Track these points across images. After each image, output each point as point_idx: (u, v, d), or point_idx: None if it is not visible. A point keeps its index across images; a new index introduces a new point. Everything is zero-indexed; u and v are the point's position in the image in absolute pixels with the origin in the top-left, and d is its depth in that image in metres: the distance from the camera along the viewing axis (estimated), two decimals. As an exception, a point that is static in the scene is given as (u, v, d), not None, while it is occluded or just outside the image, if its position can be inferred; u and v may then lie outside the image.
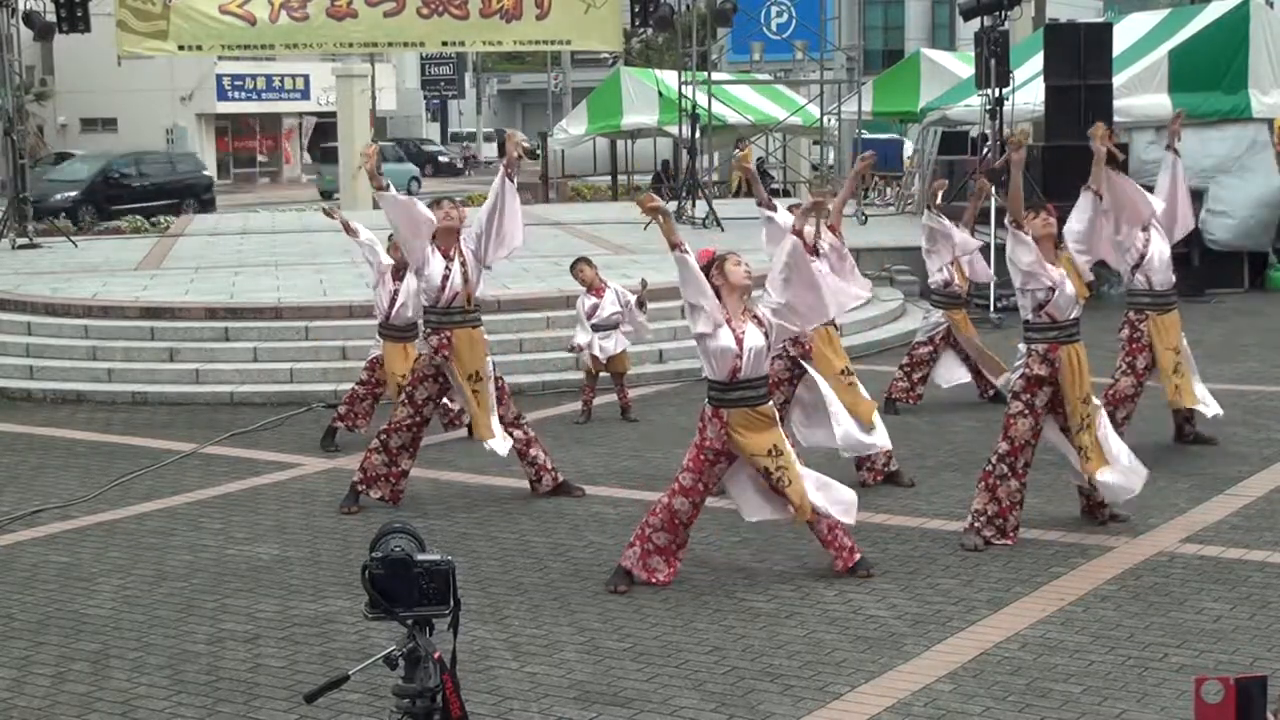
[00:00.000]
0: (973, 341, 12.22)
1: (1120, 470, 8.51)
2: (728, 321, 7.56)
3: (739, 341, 7.51)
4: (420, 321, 9.89)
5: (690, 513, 7.81)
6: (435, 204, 9.44)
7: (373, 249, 11.14)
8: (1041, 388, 8.40)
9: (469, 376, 9.38)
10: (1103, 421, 8.64)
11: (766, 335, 7.63)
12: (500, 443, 9.45)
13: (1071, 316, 8.45)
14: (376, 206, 10.96)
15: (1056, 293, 8.33)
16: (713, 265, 7.66)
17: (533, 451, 9.74)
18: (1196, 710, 3.48)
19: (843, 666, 6.61)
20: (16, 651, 7.05)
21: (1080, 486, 8.76)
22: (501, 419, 9.55)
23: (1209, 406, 10.40)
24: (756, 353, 7.57)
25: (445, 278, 9.27)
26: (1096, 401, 8.73)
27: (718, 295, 7.58)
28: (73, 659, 6.93)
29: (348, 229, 11.44)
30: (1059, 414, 8.50)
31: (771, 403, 7.85)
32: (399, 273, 10.85)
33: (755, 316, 7.66)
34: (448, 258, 9.30)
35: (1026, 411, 8.43)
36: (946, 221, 12.09)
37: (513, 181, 9.22)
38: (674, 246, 7.55)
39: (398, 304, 10.89)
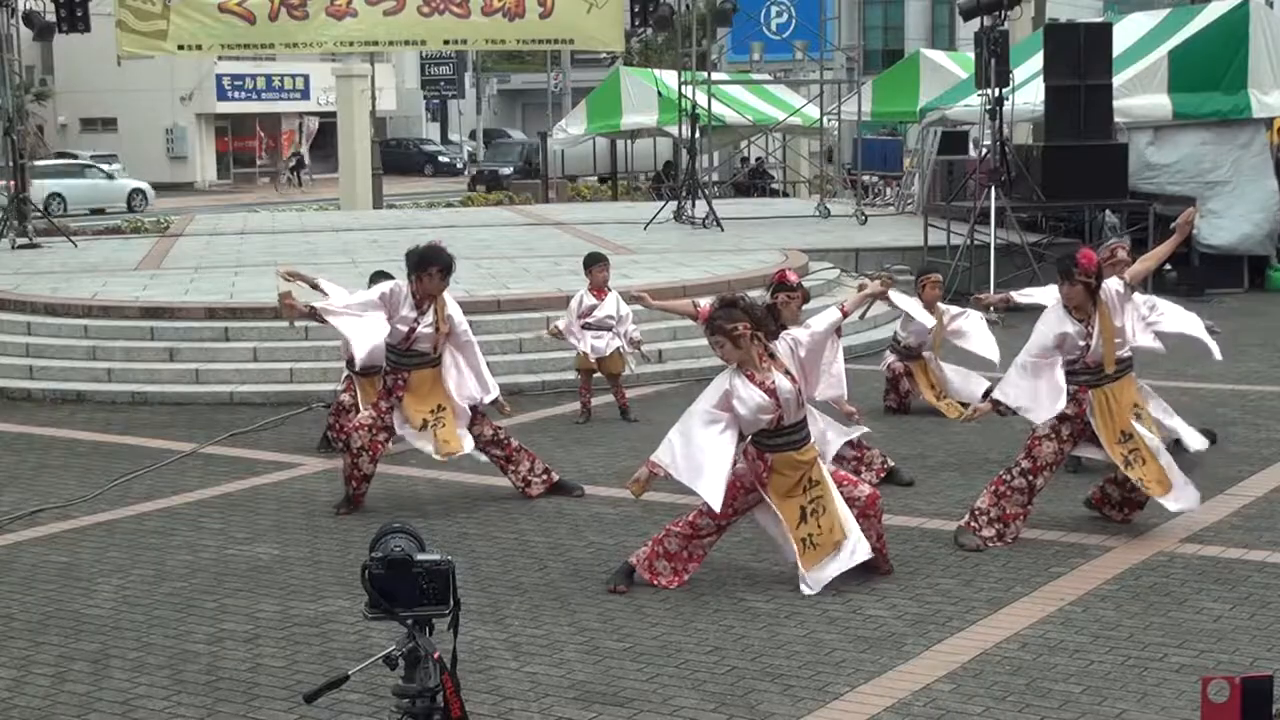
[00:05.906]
0: (929, 391, 12.02)
1: (1177, 489, 8.40)
2: (750, 377, 7.45)
3: (771, 393, 7.43)
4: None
5: (712, 531, 7.77)
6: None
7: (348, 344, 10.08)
8: (1067, 422, 8.39)
9: (432, 410, 9.35)
10: (1158, 449, 8.45)
11: (792, 378, 7.52)
12: (467, 441, 9.40)
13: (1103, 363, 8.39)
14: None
15: (1090, 348, 8.29)
16: (714, 330, 7.50)
17: (512, 466, 9.68)
18: (1203, 710, 3.49)
19: (843, 666, 6.60)
20: (16, 651, 7.04)
21: (1106, 483, 8.73)
22: (477, 439, 9.50)
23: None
24: (791, 397, 7.48)
25: (412, 330, 9.23)
26: (1144, 431, 8.44)
27: (734, 345, 7.42)
28: (73, 659, 6.92)
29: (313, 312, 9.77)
30: (1099, 446, 8.48)
31: (813, 441, 7.83)
32: None
33: (773, 357, 7.54)
34: (420, 309, 9.24)
35: (1053, 436, 8.40)
36: (921, 315, 11.80)
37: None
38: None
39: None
